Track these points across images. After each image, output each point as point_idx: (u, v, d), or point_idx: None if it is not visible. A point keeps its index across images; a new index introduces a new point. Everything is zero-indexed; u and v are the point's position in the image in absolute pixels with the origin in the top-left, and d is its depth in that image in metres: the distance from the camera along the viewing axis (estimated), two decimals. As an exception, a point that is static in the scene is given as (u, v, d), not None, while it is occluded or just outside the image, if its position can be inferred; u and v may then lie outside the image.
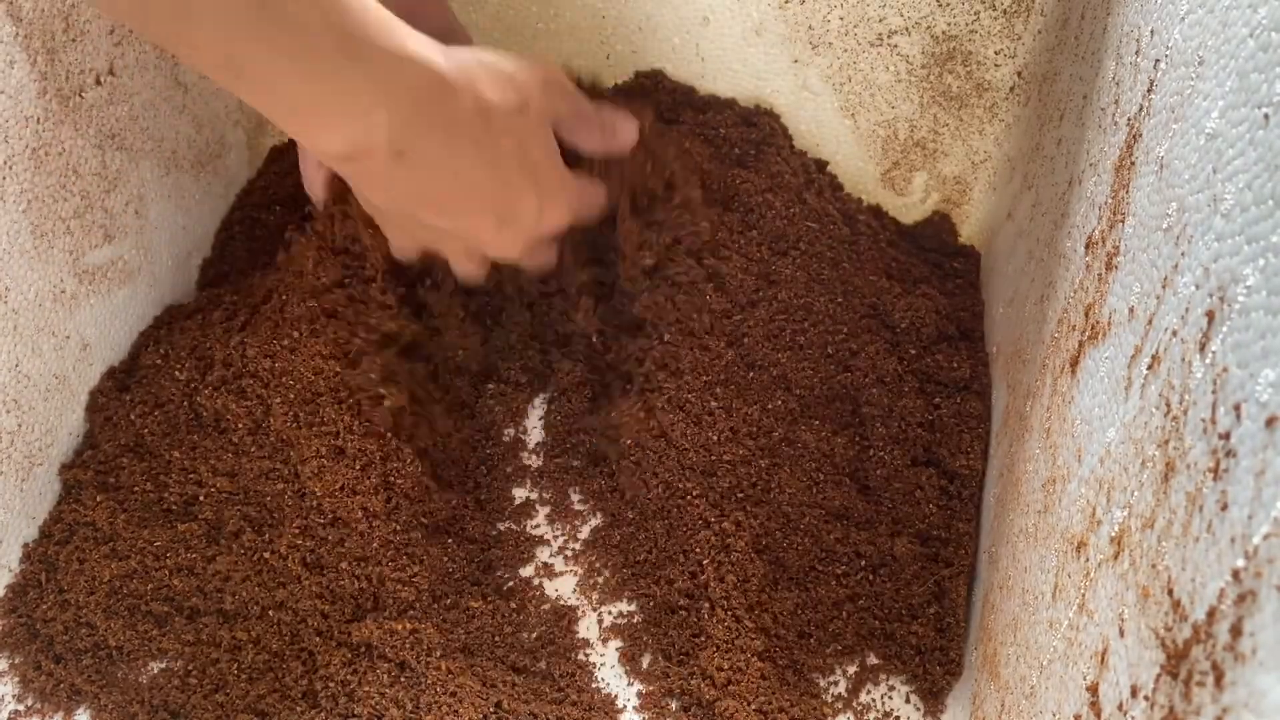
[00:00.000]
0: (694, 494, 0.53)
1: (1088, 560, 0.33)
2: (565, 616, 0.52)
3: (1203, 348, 0.26)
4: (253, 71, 0.36)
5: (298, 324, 0.53)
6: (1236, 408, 0.24)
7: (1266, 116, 0.25)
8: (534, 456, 0.57)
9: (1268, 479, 0.21)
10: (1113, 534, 0.31)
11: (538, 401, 0.59)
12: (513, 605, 0.52)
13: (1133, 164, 0.36)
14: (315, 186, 0.51)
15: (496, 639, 0.51)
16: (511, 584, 0.53)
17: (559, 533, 0.55)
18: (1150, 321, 0.31)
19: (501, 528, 0.55)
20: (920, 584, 0.51)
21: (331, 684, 0.49)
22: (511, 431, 0.58)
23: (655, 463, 0.54)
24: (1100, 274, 0.38)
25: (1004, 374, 0.55)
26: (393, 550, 0.52)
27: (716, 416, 0.55)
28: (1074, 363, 0.39)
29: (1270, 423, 0.22)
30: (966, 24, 0.58)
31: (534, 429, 0.58)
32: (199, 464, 0.54)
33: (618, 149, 0.50)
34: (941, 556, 0.52)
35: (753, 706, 0.47)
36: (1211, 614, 0.23)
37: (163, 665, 0.50)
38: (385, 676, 0.49)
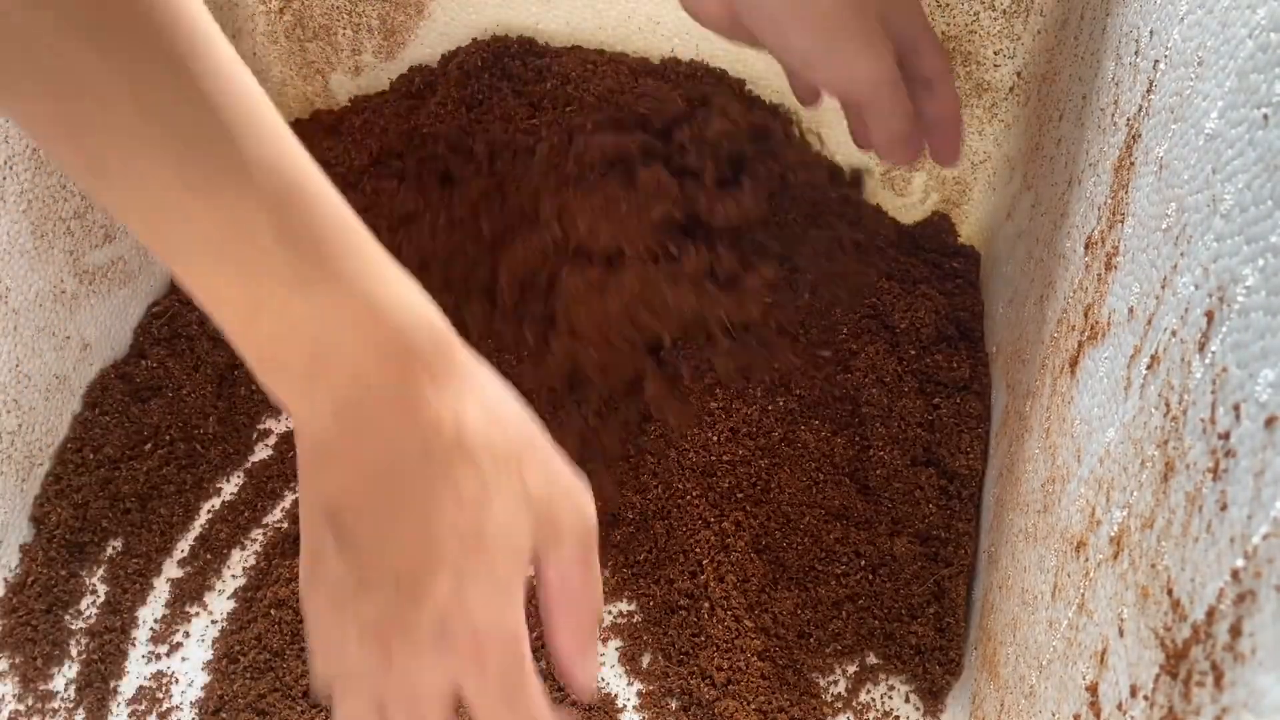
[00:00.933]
0: (694, 494, 0.53)
1: (1087, 560, 0.33)
2: (565, 616, 0.52)
3: (1202, 348, 0.26)
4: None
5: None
6: (1236, 408, 0.24)
7: (1266, 117, 0.25)
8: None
9: (1267, 479, 0.21)
10: (1112, 534, 0.31)
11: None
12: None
13: (1132, 164, 0.36)
14: None
15: (496, 639, 0.51)
16: (511, 584, 0.53)
17: (559, 533, 0.55)
18: (1149, 322, 0.31)
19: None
20: (920, 584, 0.51)
21: (331, 684, 0.49)
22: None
23: (655, 463, 0.54)
24: (1099, 274, 0.38)
25: (1003, 374, 0.55)
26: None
27: (716, 416, 0.55)
28: (1073, 363, 0.39)
29: (1270, 423, 0.22)
30: (966, 24, 0.58)
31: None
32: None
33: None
34: (941, 556, 0.52)
35: (752, 706, 0.47)
36: (1211, 614, 0.23)
37: (163, 665, 0.50)
38: (385, 676, 0.49)
